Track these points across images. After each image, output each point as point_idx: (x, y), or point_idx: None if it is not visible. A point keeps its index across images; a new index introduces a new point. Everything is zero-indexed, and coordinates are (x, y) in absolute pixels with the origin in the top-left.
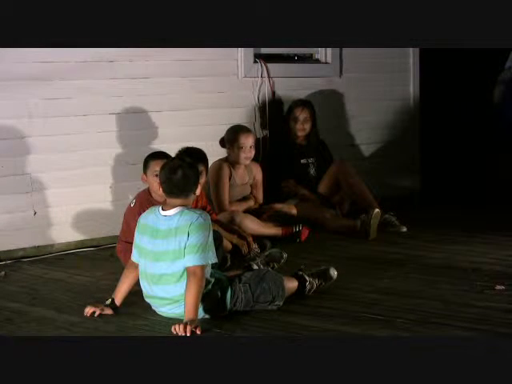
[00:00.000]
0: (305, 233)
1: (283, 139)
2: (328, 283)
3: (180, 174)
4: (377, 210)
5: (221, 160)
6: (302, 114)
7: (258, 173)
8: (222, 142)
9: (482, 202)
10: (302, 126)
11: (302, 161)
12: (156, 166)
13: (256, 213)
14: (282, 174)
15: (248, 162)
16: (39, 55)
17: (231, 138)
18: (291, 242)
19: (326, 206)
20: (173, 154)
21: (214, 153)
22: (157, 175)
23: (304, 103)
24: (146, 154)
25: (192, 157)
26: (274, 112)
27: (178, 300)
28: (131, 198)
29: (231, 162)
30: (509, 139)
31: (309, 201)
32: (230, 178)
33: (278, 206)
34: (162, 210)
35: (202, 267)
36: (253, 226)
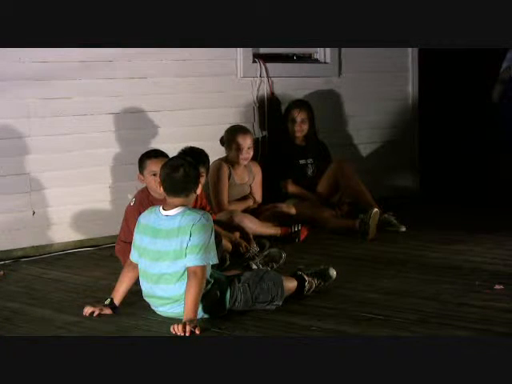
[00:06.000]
0: (304, 232)
1: (282, 139)
2: (327, 283)
3: (181, 172)
4: (376, 209)
5: (220, 160)
6: (299, 115)
7: (257, 173)
8: (222, 142)
9: (482, 201)
10: (299, 127)
11: (301, 161)
12: (152, 165)
13: (255, 212)
14: (280, 174)
15: (246, 162)
16: (39, 55)
17: (229, 139)
18: (290, 241)
19: (325, 205)
20: (172, 154)
21: (213, 152)
22: (154, 174)
23: (301, 104)
24: None
25: (193, 157)
26: (272, 112)
27: (178, 300)
28: (130, 197)
29: (230, 161)
30: (508, 139)
31: (308, 201)
32: (229, 178)
33: (277, 205)
34: (163, 209)
35: (203, 267)
36: (252, 225)
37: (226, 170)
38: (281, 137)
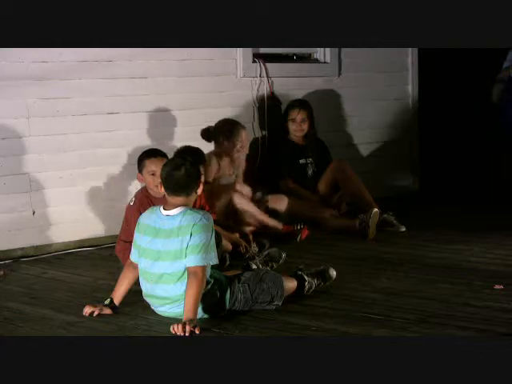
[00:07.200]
0: (304, 232)
1: (282, 139)
2: (327, 283)
3: (183, 171)
4: (375, 209)
5: (211, 153)
6: (299, 115)
7: (241, 163)
8: (207, 134)
9: (482, 201)
10: (299, 127)
11: (301, 161)
12: (151, 165)
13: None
14: (280, 173)
15: (238, 155)
16: (39, 55)
17: (229, 132)
18: (290, 240)
19: (325, 205)
20: (171, 154)
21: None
22: (153, 174)
23: (301, 103)
24: None
25: (190, 156)
26: (272, 112)
27: (178, 300)
28: (130, 197)
29: (222, 153)
30: (508, 139)
31: (308, 200)
32: (218, 170)
33: (268, 222)
34: (164, 209)
35: (203, 268)
36: (251, 209)
37: (215, 165)
38: (281, 136)
